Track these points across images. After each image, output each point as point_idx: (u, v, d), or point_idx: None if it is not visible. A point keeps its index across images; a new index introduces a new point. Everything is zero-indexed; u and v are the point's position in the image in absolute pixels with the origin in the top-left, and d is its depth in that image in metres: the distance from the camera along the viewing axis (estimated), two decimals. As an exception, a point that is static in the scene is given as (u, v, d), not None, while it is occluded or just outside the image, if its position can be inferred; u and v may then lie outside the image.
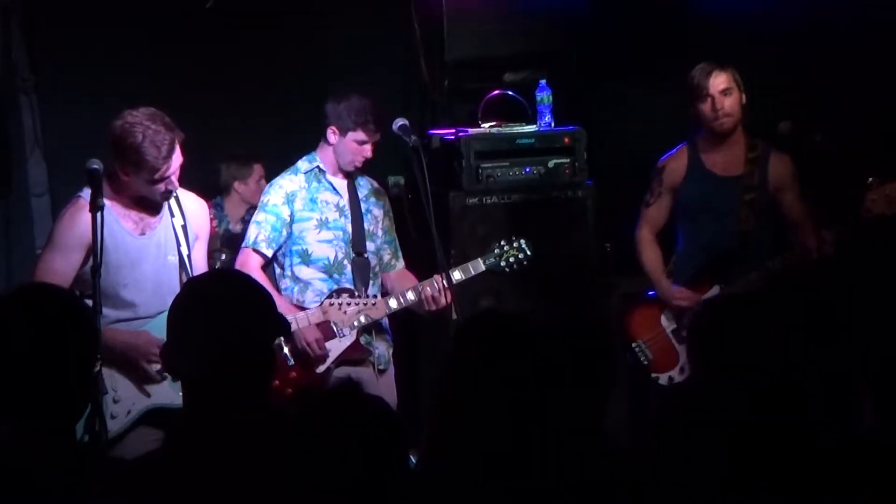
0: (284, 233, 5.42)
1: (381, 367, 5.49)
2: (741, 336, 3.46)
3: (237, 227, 6.80)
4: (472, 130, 6.29)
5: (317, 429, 2.48)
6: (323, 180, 5.47)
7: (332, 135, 5.41)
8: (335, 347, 5.35)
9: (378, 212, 5.58)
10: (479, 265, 5.39)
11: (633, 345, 5.53)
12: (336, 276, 5.42)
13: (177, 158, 4.62)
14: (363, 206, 5.50)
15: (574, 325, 3.44)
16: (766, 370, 3.32)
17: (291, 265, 5.44)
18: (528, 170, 6.22)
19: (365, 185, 5.59)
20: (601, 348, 3.37)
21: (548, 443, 2.78)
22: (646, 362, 5.50)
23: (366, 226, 5.50)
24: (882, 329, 2.98)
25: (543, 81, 6.27)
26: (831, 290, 5.28)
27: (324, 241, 5.43)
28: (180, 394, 2.64)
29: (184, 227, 4.80)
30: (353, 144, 5.37)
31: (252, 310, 2.67)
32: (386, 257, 5.61)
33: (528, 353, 2.85)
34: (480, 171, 6.15)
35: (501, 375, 2.79)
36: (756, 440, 2.47)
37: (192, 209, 4.87)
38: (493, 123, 6.36)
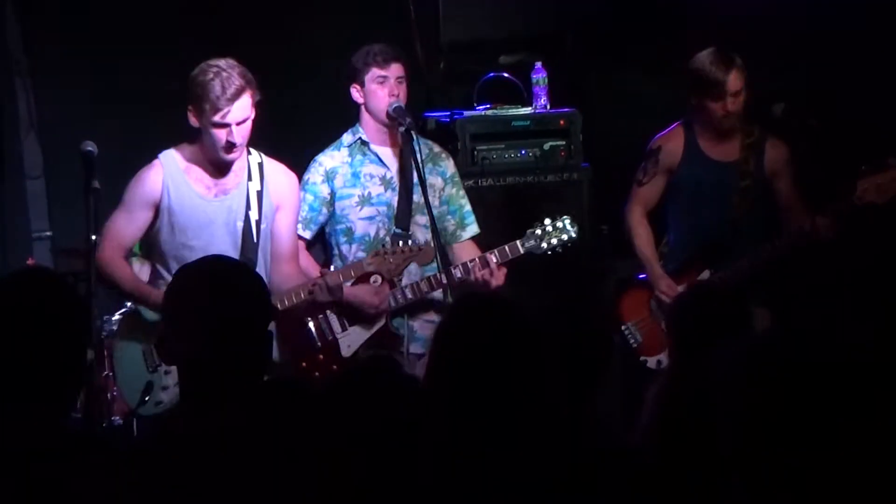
0: (325, 211, 5.27)
1: (419, 352, 5.18)
2: (719, 321, 3.47)
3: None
4: (467, 113, 6.28)
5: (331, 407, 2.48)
6: (368, 152, 5.29)
7: (356, 93, 5.25)
8: (363, 331, 5.17)
9: (436, 179, 5.35)
10: (516, 248, 5.16)
11: (623, 327, 5.53)
12: None
13: (243, 109, 4.65)
14: (417, 176, 5.16)
15: (569, 310, 3.46)
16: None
17: (338, 244, 5.29)
18: (523, 152, 6.21)
19: (422, 151, 5.25)
20: (595, 333, 3.38)
21: (537, 428, 2.77)
22: (635, 345, 5.50)
23: (416, 198, 5.24)
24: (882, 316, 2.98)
25: (539, 64, 6.26)
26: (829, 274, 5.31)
27: (365, 217, 5.26)
28: None
29: (259, 194, 4.82)
30: (374, 87, 5.20)
31: (246, 292, 2.66)
32: (450, 227, 5.39)
33: (520, 339, 2.84)
34: (476, 153, 6.14)
35: (490, 361, 2.78)
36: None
37: (274, 178, 4.89)
38: (488, 106, 6.35)
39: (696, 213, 5.47)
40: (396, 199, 5.28)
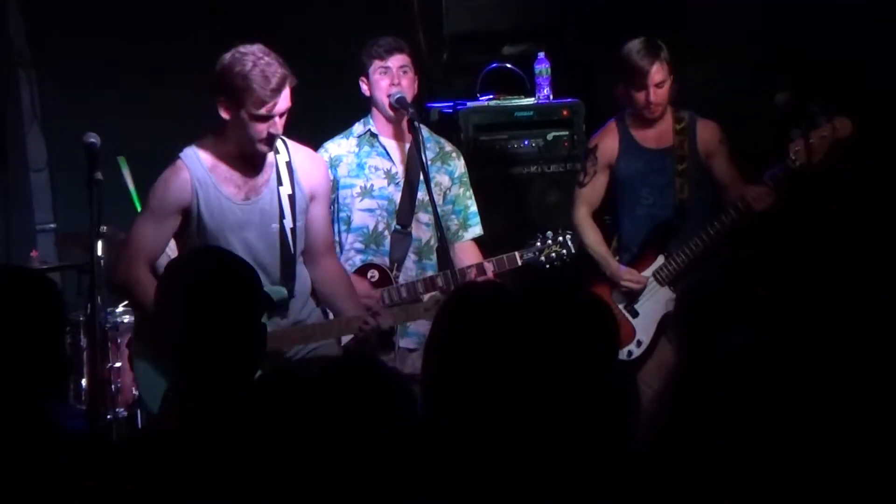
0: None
1: (410, 347, 5.17)
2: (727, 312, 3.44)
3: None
4: (470, 103, 6.29)
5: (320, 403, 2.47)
6: (376, 144, 5.26)
7: (364, 86, 5.25)
8: None
9: (443, 178, 5.30)
10: (515, 260, 5.12)
11: None
12: (373, 247, 5.20)
13: (286, 100, 4.34)
14: (421, 171, 5.07)
15: (571, 298, 3.45)
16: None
17: (339, 231, 5.22)
18: (526, 142, 6.22)
19: (432, 148, 5.31)
20: (598, 321, 3.37)
21: (536, 421, 2.77)
22: None
23: (420, 195, 5.19)
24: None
25: (542, 54, 6.27)
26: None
27: (365, 209, 5.21)
28: None
29: (291, 198, 4.50)
30: (377, 78, 5.19)
31: (236, 286, 2.65)
32: (452, 227, 5.33)
33: (518, 328, 2.84)
34: (479, 143, 6.15)
35: (488, 350, 2.77)
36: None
37: (305, 169, 4.56)
38: (491, 96, 6.35)
39: (641, 203, 5.53)
40: (399, 194, 5.25)
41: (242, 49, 4.34)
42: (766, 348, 2.11)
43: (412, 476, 2.61)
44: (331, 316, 4.82)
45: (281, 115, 4.35)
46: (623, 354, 5.45)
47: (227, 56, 4.34)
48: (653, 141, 5.52)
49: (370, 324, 4.61)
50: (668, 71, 5.34)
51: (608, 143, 5.56)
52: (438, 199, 5.19)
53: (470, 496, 2.64)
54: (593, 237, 5.58)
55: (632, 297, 5.52)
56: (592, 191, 5.59)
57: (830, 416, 2.04)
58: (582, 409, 3.05)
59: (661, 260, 5.50)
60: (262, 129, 4.32)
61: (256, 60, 4.29)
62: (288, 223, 4.49)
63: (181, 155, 4.45)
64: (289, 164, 4.52)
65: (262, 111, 4.29)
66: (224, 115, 4.35)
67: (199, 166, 4.42)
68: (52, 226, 6.73)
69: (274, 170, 4.50)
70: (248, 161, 4.46)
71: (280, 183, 4.49)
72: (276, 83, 4.28)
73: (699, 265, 5.36)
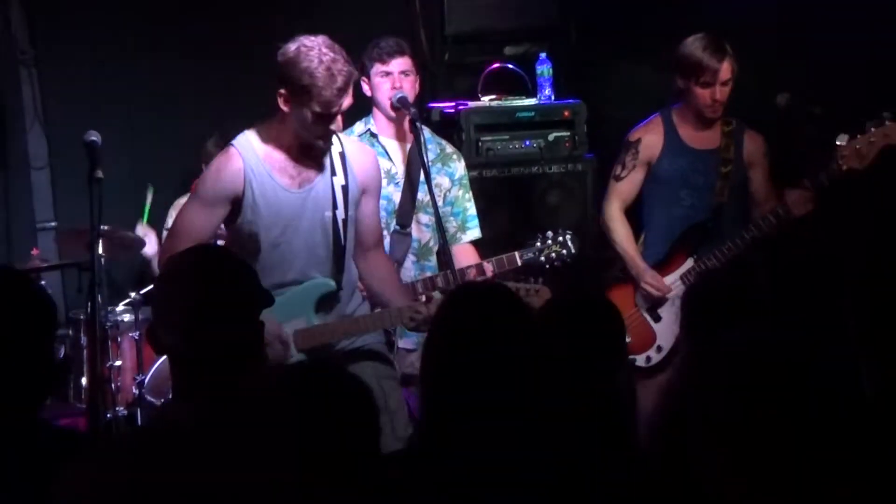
0: None
1: (409, 347, 5.17)
2: (736, 305, 3.43)
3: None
4: (471, 104, 6.28)
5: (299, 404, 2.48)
6: (376, 144, 5.24)
7: (366, 87, 5.24)
8: None
9: (443, 179, 5.32)
10: (514, 260, 5.07)
11: None
12: None
13: (349, 98, 4.23)
14: (423, 172, 5.06)
15: (576, 299, 3.45)
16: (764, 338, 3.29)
17: None
18: (527, 143, 6.21)
19: (433, 149, 5.31)
20: (600, 321, 3.36)
21: (536, 422, 2.76)
22: None
23: (420, 196, 5.21)
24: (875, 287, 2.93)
25: (543, 55, 6.26)
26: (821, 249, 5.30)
27: None
28: None
29: (344, 188, 4.41)
30: (378, 81, 5.19)
31: (233, 284, 2.64)
32: (451, 229, 5.31)
33: (519, 326, 2.83)
34: (480, 144, 6.14)
35: (490, 348, 2.77)
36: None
37: (358, 161, 4.48)
38: (492, 97, 6.35)
39: (678, 202, 5.41)
40: (399, 194, 5.25)
41: (308, 43, 4.17)
42: (768, 348, 2.11)
43: (410, 474, 2.61)
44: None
45: (342, 113, 4.30)
46: (641, 360, 5.35)
47: (292, 48, 4.19)
48: (698, 141, 5.40)
49: (422, 312, 4.46)
50: (734, 70, 5.25)
51: (652, 139, 5.43)
52: (439, 201, 5.17)
53: (467, 496, 2.64)
54: (623, 234, 5.46)
55: (656, 300, 5.39)
56: (629, 186, 5.47)
57: (830, 417, 2.03)
58: (581, 410, 3.06)
59: (689, 263, 5.36)
60: (322, 126, 4.25)
61: (322, 56, 4.14)
62: (340, 214, 4.41)
63: (234, 143, 4.34)
64: (342, 155, 4.44)
65: (324, 111, 4.18)
66: (283, 107, 4.24)
67: (252, 155, 4.31)
68: (53, 224, 6.73)
69: (328, 158, 4.41)
70: (304, 151, 4.35)
71: (334, 173, 4.41)
72: (342, 83, 4.16)
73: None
